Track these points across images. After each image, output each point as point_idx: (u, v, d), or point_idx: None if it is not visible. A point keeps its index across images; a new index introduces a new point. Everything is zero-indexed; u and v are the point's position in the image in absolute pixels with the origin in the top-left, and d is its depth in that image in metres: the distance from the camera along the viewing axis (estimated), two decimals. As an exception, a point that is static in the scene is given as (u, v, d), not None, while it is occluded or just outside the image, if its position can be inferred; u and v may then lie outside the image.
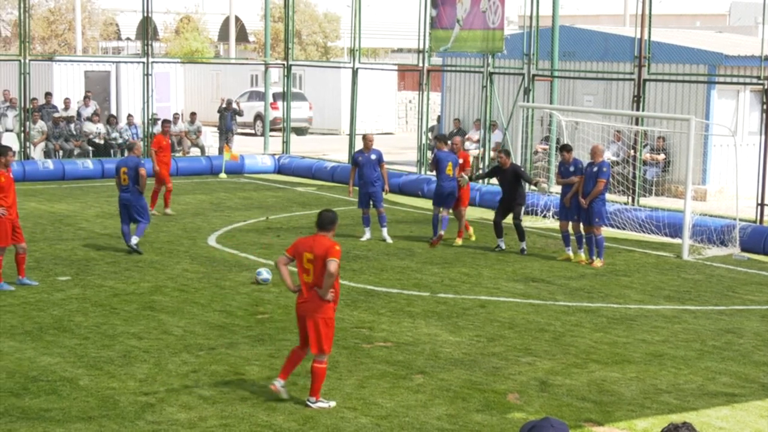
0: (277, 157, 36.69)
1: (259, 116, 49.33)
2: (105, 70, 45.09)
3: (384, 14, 75.54)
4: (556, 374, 14.17)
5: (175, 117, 40.46)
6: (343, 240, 23.56)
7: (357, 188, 24.17)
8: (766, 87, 25.23)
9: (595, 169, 21.60)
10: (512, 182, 22.73)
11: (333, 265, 12.29)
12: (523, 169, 23.87)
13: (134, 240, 21.71)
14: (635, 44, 27.81)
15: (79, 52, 62.94)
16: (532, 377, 13.95)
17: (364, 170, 23.79)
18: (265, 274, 19.15)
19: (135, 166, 21.75)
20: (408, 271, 20.56)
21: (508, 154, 23.10)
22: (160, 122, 28.93)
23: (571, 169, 22.00)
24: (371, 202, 23.89)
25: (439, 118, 40.33)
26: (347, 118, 36.54)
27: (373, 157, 23.78)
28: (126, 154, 22.33)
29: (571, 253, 22.15)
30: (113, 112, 42.99)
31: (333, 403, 12.73)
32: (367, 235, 23.93)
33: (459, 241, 23.64)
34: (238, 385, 13.33)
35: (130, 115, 38.69)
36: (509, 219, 22.92)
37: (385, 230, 23.85)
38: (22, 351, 14.65)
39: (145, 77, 34.79)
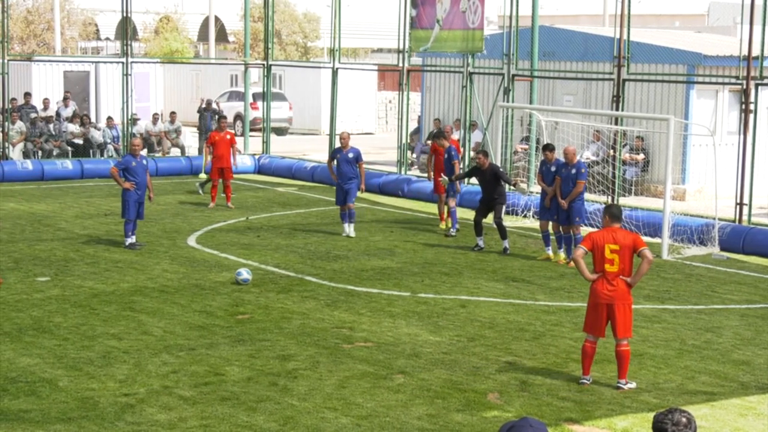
0: (257, 157, 36.64)
1: (239, 116, 49.27)
2: (84, 70, 44.96)
3: (364, 14, 75.46)
4: (536, 374, 14.19)
5: (155, 117, 40.39)
6: (323, 239, 23.58)
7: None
8: (744, 87, 25.32)
9: (573, 171, 21.65)
10: (491, 182, 22.80)
11: (649, 252, 13.55)
12: (502, 170, 23.92)
13: (126, 242, 22.26)
14: (614, 44, 27.86)
15: (58, 52, 62.71)
16: (512, 377, 13.97)
17: (341, 167, 24.06)
18: (245, 274, 19.11)
19: None
20: (388, 271, 20.56)
21: (486, 154, 23.15)
22: (216, 118, 30.07)
23: (553, 168, 22.04)
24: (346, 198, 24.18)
25: (418, 119, 40.32)
26: (327, 118, 36.51)
27: (351, 155, 24.02)
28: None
29: (551, 253, 22.18)
30: (93, 112, 42.90)
31: (634, 384, 13.69)
32: (346, 231, 24.17)
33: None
34: (218, 386, 13.31)
35: (109, 118, 38.56)
36: (490, 218, 22.98)
37: (352, 225, 24.21)
38: (0, 352, 14.59)
39: (125, 77, 34.69)
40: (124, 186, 22.15)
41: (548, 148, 22.48)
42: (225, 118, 30.14)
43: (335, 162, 24.62)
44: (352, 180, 24.10)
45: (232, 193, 28.33)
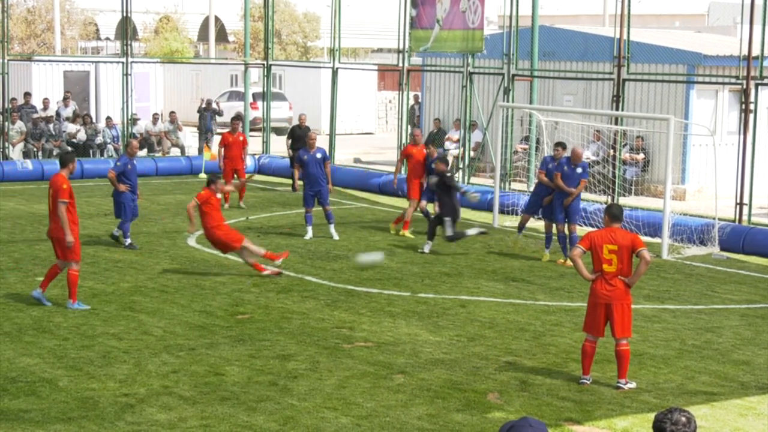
0: (257, 157, 36.64)
1: (239, 116, 49.22)
2: (84, 70, 45.00)
3: (364, 14, 75.49)
4: (536, 374, 14.19)
5: (155, 117, 40.39)
6: (323, 239, 23.56)
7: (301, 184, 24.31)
8: (744, 87, 25.32)
9: (579, 170, 21.63)
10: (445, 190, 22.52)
11: (648, 252, 13.42)
12: (449, 175, 23.12)
13: (116, 231, 22.53)
14: (614, 44, 27.87)
15: (58, 52, 62.72)
16: (512, 377, 13.97)
17: (309, 168, 23.75)
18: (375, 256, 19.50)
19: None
20: (388, 271, 20.55)
21: (443, 161, 23.04)
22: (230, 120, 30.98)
23: (550, 166, 21.99)
24: (316, 201, 23.84)
25: (418, 119, 40.26)
26: (327, 118, 36.50)
27: (318, 155, 23.76)
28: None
29: (548, 254, 22.11)
30: (93, 111, 42.91)
31: (634, 384, 13.68)
32: (309, 234, 23.82)
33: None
34: (218, 386, 13.31)
35: (108, 118, 38.54)
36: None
37: (332, 227, 23.91)
38: (0, 352, 14.60)
39: (125, 77, 34.70)
40: (120, 189, 22.16)
41: (561, 145, 22.35)
42: (238, 119, 30.05)
43: (302, 164, 23.85)
44: (321, 183, 23.66)
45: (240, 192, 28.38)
